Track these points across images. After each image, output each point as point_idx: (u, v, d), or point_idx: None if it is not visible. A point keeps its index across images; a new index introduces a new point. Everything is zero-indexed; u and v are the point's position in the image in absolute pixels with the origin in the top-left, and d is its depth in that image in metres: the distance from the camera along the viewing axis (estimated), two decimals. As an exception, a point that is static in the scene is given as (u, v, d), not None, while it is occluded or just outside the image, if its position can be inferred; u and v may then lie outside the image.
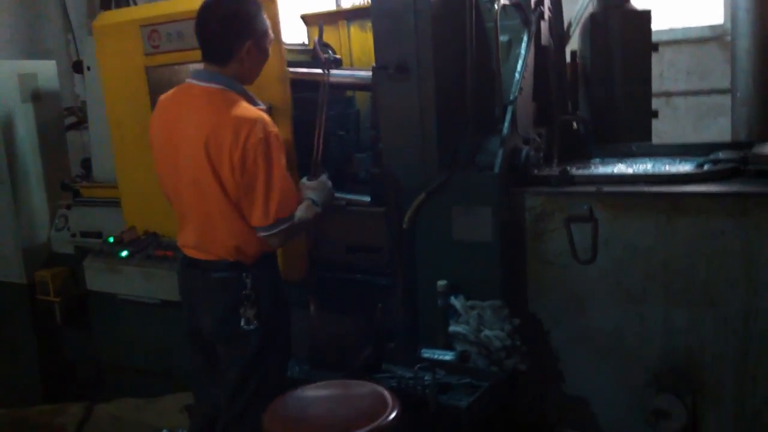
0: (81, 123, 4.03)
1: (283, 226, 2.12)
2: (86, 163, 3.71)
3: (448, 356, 2.28)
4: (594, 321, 2.37)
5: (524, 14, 2.56)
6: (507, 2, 2.49)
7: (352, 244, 2.64)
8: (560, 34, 3.13)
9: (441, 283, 2.38)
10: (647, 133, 3.19)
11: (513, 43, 2.60)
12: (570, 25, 3.28)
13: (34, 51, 5.39)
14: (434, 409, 1.89)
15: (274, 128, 2.10)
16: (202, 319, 2.22)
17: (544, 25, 2.69)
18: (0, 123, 3.54)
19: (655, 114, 3.23)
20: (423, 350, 2.34)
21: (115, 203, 3.32)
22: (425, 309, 2.47)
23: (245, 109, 2.10)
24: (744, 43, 2.64)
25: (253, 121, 2.07)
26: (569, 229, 2.32)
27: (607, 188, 2.32)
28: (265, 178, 2.07)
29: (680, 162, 2.61)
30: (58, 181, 3.68)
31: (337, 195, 2.52)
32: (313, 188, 2.34)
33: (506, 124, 2.39)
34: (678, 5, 5.22)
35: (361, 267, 2.64)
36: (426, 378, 2.04)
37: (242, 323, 2.12)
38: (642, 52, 3.11)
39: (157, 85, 2.87)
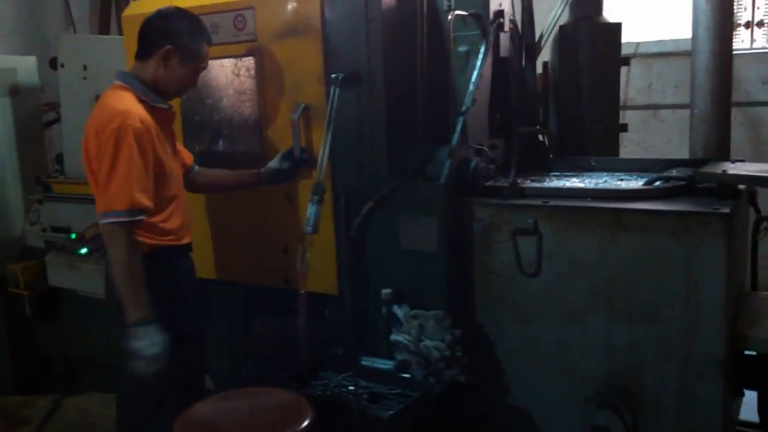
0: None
1: (118, 218, 2.13)
2: (60, 158, 3.75)
3: (387, 365, 2.28)
4: (538, 334, 2.36)
5: (482, 25, 2.56)
6: (464, 13, 2.48)
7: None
8: (530, 45, 3.12)
9: (385, 291, 2.38)
10: (615, 147, 3.18)
11: (471, 54, 2.60)
12: (542, 36, 3.27)
13: (33, 45, 5.46)
14: (356, 420, 1.89)
15: (135, 122, 2.17)
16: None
17: (505, 37, 2.68)
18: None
19: (624, 128, 3.21)
20: (363, 358, 2.34)
21: (85, 199, 3.36)
22: (372, 317, 2.48)
23: (118, 100, 2.22)
24: (703, 61, 2.62)
25: (117, 112, 2.17)
26: (515, 241, 2.31)
27: (553, 202, 2.31)
28: (109, 165, 2.14)
29: (636, 178, 2.60)
30: (34, 175, 3.73)
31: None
32: (148, 331, 2.15)
33: (456, 134, 2.39)
34: (668, 17, 5.20)
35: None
36: (351, 387, 2.05)
37: None
38: (611, 66, 3.09)
39: None
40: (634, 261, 2.17)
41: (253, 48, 2.62)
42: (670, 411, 2.20)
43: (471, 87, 2.49)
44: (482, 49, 2.55)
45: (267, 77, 2.62)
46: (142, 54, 2.32)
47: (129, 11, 3.02)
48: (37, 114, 3.90)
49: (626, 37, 3.26)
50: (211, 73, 2.71)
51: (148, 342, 2.13)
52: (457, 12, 2.44)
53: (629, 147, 4.89)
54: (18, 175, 3.76)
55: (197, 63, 2.36)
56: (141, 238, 2.23)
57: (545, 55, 3.34)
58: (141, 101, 2.27)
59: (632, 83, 5.17)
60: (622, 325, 2.22)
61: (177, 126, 2.85)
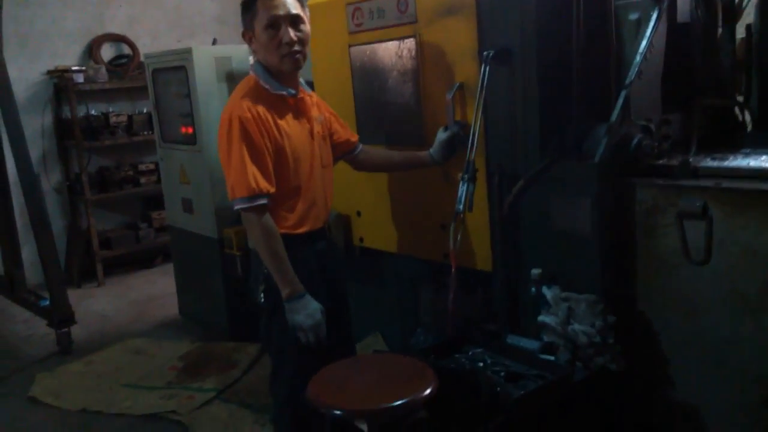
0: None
1: (241, 205, 2.25)
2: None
3: (532, 345, 2.26)
4: (706, 327, 2.17)
5: (656, -10, 2.36)
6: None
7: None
8: (728, 6, 2.80)
9: (535, 271, 2.35)
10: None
11: (642, 22, 2.41)
12: (745, -5, 2.89)
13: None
14: (485, 395, 1.92)
15: (244, 113, 2.25)
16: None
17: (684, 0, 2.44)
18: (201, 100, 4.13)
19: None
20: (509, 336, 2.34)
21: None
22: (522, 296, 2.46)
23: (239, 90, 2.34)
24: None
25: (232, 103, 2.29)
26: (681, 226, 2.14)
27: (726, 183, 2.09)
28: (226, 154, 2.26)
29: (844, 156, 2.24)
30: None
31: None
32: (303, 302, 2.28)
33: (617, 110, 2.25)
34: None
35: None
36: (481, 364, 2.07)
37: (258, 295, 2.38)
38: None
39: (358, 63, 3.00)
40: (818, 253, 1.90)
41: (414, 30, 2.69)
42: None
43: (638, 58, 2.31)
44: (654, 16, 2.35)
45: (426, 57, 2.68)
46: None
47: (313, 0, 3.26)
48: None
49: None
50: (378, 56, 2.85)
51: (305, 314, 2.27)
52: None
53: None
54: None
55: (259, 21, 2.29)
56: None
57: (750, 17, 2.96)
58: (264, 89, 2.33)
59: None
60: (801, 324, 1.97)
61: (349, 107, 3.04)
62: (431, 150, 2.63)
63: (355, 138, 2.74)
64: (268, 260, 2.29)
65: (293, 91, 2.39)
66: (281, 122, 2.33)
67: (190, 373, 3.95)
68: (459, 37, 2.53)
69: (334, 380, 1.98)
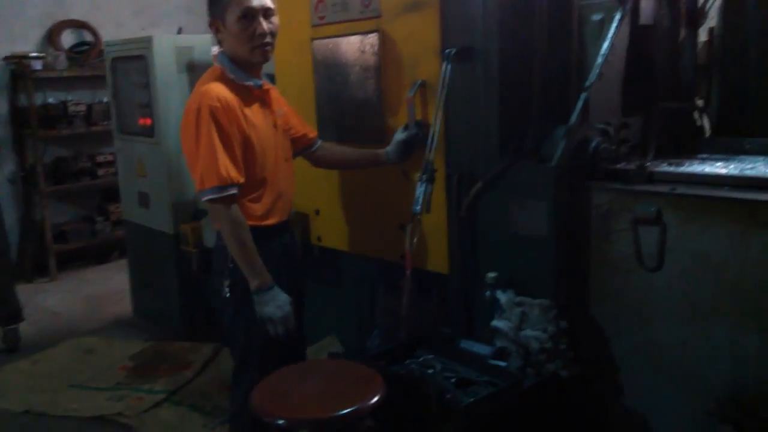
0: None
1: (210, 196, 2.20)
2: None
3: (484, 350, 2.22)
4: (657, 334, 2.15)
5: (618, -9, 2.33)
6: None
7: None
8: (692, 10, 2.79)
9: (490, 275, 2.30)
10: (788, 128, 2.74)
11: (606, 23, 2.38)
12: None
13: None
14: (433, 403, 1.87)
15: (213, 102, 2.19)
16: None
17: (647, 2, 2.41)
18: (159, 91, 4.01)
19: (803, 105, 2.75)
20: (462, 341, 2.30)
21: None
22: (478, 300, 2.41)
23: (204, 80, 2.28)
24: None
25: (199, 93, 2.23)
26: (636, 231, 2.11)
27: (681, 189, 2.07)
28: (194, 145, 2.21)
29: (798, 165, 2.24)
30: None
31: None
32: (270, 295, 2.25)
33: (576, 112, 2.22)
34: None
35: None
36: (431, 370, 2.02)
37: (222, 291, 2.32)
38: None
39: (320, 57, 2.93)
40: (769, 262, 1.89)
41: (377, 25, 2.64)
42: (809, 439, 1.90)
43: (599, 60, 2.28)
44: (617, 17, 2.32)
45: (388, 53, 2.62)
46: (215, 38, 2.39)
47: None
48: (209, 89, 4.26)
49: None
50: (341, 50, 2.78)
51: (274, 305, 2.24)
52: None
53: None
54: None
55: (233, 11, 2.24)
56: None
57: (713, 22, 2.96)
58: (230, 80, 2.28)
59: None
60: (752, 334, 1.95)
61: (310, 102, 2.98)
62: (387, 148, 2.59)
63: (313, 134, 2.70)
64: (236, 252, 2.25)
65: (260, 82, 2.37)
66: (248, 113, 2.30)
67: (140, 373, 3.84)
68: (422, 34, 2.48)
69: (279, 387, 1.91)
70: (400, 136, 2.56)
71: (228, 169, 2.20)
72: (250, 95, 2.34)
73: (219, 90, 2.24)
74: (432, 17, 2.43)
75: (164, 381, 3.68)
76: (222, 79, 2.29)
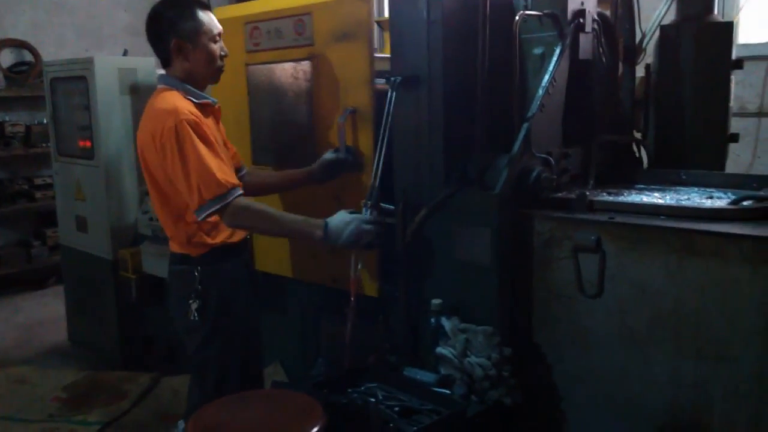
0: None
1: (214, 207, 2.16)
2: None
3: (428, 378, 2.20)
4: (598, 361, 2.18)
5: (559, 26, 2.40)
6: (534, 13, 2.34)
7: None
8: (630, 47, 2.89)
9: (435, 301, 2.30)
10: (721, 160, 2.86)
11: (546, 57, 2.44)
12: (644, 36, 3.00)
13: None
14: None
15: (187, 115, 2.18)
16: (170, 308, 2.42)
17: (586, 38, 2.49)
18: (100, 112, 3.92)
19: (734, 138, 2.88)
20: (406, 369, 2.28)
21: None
22: (423, 327, 2.40)
23: (165, 102, 2.23)
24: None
25: (166, 112, 2.19)
26: (576, 259, 2.15)
27: (620, 218, 2.12)
28: (181, 164, 2.16)
29: (729, 195, 2.32)
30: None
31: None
32: (338, 219, 2.26)
33: (518, 142, 2.26)
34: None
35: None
36: (373, 399, 2.00)
37: (189, 315, 2.27)
38: (719, 70, 2.78)
39: (255, 82, 2.96)
40: (704, 290, 1.94)
41: (310, 52, 2.69)
42: (741, 460, 1.94)
43: (540, 92, 2.34)
44: (557, 52, 2.38)
45: (321, 81, 2.68)
46: (163, 61, 2.36)
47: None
48: (153, 112, 4.19)
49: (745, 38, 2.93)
50: (275, 76, 2.81)
51: (347, 231, 2.22)
52: (527, 12, 2.30)
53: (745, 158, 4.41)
54: (134, 166, 4.04)
55: (206, 33, 2.30)
56: (196, 240, 2.31)
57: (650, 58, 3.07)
58: (187, 99, 2.28)
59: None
60: (688, 360, 1.99)
61: (245, 126, 2.97)
62: (313, 166, 2.63)
63: (239, 159, 2.69)
64: (278, 228, 2.30)
65: (215, 100, 2.42)
66: (209, 129, 2.30)
67: (74, 404, 3.67)
68: (353, 63, 2.56)
69: (215, 418, 1.84)
70: (329, 156, 2.62)
71: (225, 173, 2.19)
72: (205, 113, 2.34)
73: (187, 105, 2.24)
74: (363, 47, 2.53)
75: (99, 412, 3.54)
76: (180, 98, 2.27)
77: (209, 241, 2.34)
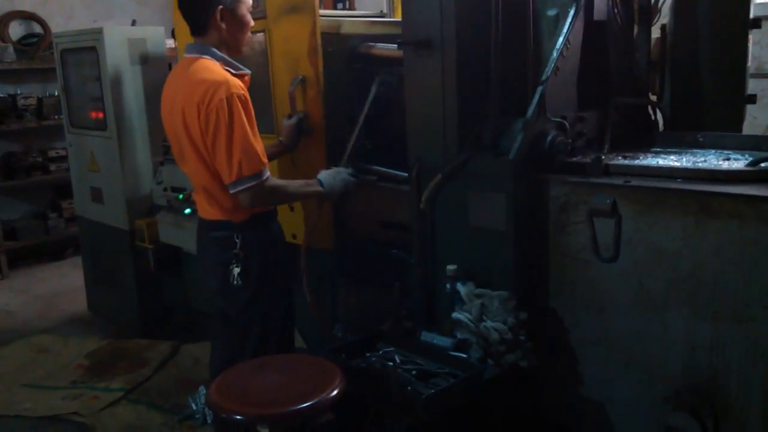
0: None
1: (249, 184, 2.23)
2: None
3: (445, 342, 2.22)
4: (614, 324, 2.19)
5: (573, -14, 2.35)
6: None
7: (383, 219, 2.66)
8: (645, 7, 2.84)
9: (450, 267, 2.31)
10: (738, 122, 2.82)
11: (561, 18, 2.40)
12: (660, -4, 2.94)
13: (163, 15, 5.82)
14: (395, 395, 1.87)
15: (238, 90, 2.22)
16: (208, 273, 2.43)
17: (601, -2, 2.45)
18: (111, 83, 3.92)
19: (751, 99, 2.83)
20: (423, 333, 2.30)
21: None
22: (439, 293, 2.42)
23: (212, 72, 2.23)
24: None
25: (217, 84, 2.19)
26: (592, 223, 2.15)
27: (635, 181, 2.11)
28: (227, 136, 2.19)
29: (746, 157, 2.29)
30: (161, 138, 4.02)
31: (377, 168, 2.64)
32: (326, 174, 2.52)
33: (532, 106, 2.24)
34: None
35: (390, 242, 2.65)
36: (391, 363, 2.02)
37: (231, 280, 2.30)
38: (736, 30, 2.72)
39: None
40: (721, 252, 1.93)
41: (264, 24, 2.85)
42: (757, 420, 1.96)
43: (554, 54, 2.31)
44: (571, 13, 2.35)
45: (275, 51, 2.87)
46: (199, 29, 2.33)
47: None
48: (163, 81, 4.16)
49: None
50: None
51: (333, 178, 2.50)
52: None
53: (762, 120, 4.33)
54: (147, 137, 4.05)
55: (245, 3, 2.38)
56: (236, 207, 2.34)
57: (665, 19, 3.01)
58: (225, 70, 2.29)
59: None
60: (705, 322, 2.00)
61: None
62: (281, 138, 2.77)
63: None
64: (292, 198, 2.62)
65: (249, 71, 2.45)
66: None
67: (97, 371, 3.75)
68: (302, 34, 2.71)
69: (236, 383, 1.88)
70: (289, 122, 2.75)
71: (264, 154, 2.29)
72: (243, 83, 2.38)
73: (236, 80, 2.27)
74: (309, 19, 2.68)
75: (121, 379, 3.61)
76: (221, 68, 2.29)
77: (248, 209, 2.37)
